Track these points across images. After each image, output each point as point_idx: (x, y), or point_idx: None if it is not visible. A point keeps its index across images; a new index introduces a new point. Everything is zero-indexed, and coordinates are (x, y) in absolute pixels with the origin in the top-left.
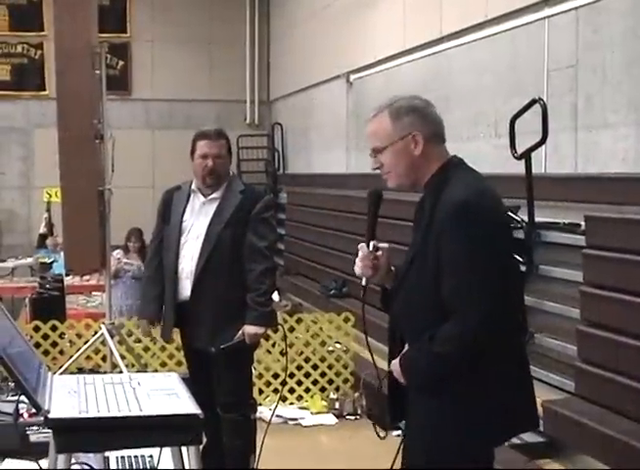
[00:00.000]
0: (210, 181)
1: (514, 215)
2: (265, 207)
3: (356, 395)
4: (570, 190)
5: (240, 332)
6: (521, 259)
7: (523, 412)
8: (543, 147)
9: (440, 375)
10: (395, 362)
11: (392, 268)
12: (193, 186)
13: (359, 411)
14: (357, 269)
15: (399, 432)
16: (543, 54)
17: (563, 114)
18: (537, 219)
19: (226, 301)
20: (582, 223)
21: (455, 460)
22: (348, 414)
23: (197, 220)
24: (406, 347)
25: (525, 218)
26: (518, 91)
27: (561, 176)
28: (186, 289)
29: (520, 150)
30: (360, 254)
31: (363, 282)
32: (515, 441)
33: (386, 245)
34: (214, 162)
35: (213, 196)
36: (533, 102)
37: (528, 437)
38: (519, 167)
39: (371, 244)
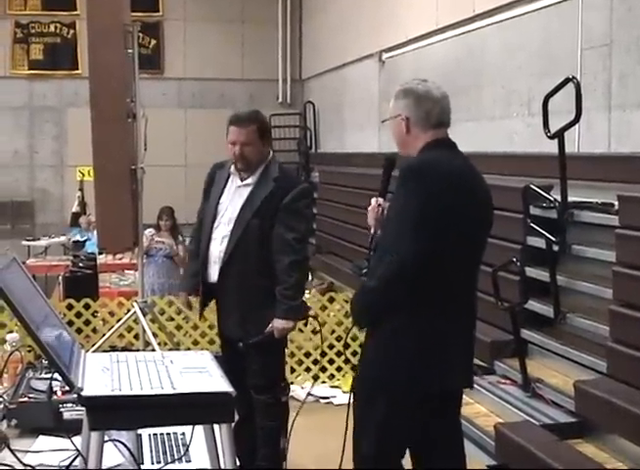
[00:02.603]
0: (241, 167)
1: (546, 195)
2: (296, 196)
3: None
4: (603, 169)
5: (269, 326)
6: (553, 239)
7: (447, 367)
8: (576, 126)
9: (369, 306)
10: None
11: None
12: (232, 168)
13: None
14: (368, 219)
15: None
16: (577, 32)
17: (596, 93)
18: (570, 199)
19: (252, 288)
20: (615, 203)
21: (372, 389)
22: None
23: (230, 204)
24: None
25: (558, 198)
26: (551, 70)
27: (594, 156)
28: (214, 273)
29: (553, 129)
30: (370, 206)
31: (372, 231)
32: (546, 421)
33: (387, 204)
34: (242, 149)
35: (248, 181)
36: (567, 81)
37: (560, 417)
38: (552, 147)
39: (379, 200)
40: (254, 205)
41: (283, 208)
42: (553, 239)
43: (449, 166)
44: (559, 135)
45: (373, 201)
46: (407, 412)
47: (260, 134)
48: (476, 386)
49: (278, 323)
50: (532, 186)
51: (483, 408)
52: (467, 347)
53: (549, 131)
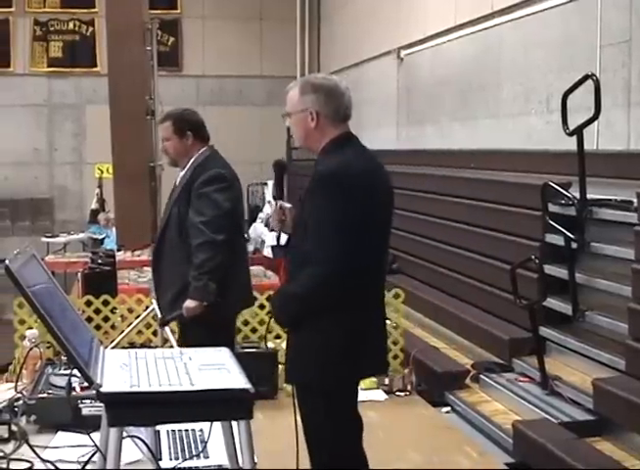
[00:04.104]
0: (167, 161)
1: (565, 192)
2: (204, 181)
3: (406, 371)
4: (622, 167)
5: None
6: (572, 237)
7: (369, 356)
8: (595, 123)
9: (292, 311)
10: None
11: None
12: None
13: (409, 388)
14: (271, 222)
15: (448, 408)
16: (596, 29)
17: (615, 89)
18: (589, 196)
19: (178, 275)
20: (635, 200)
21: (305, 381)
22: (398, 390)
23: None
24: None
25: (577, 195)
26: (570, 67)
27: (613, 153)
28: None
29: (572, 126)
30: (271, 210)
31: (275, 233)
32: (564, 419)
33: (288, 205)
34: (163, 144)
35: (181, 174)
36: (586, 77)
37: (578, 415)
38: (571, 144)
39: (278, 203)
40: (175, 193)
41: (192, 193)
42: (572, 236)
43: (360, 167)
44: (578, 132)
45: (272, 206)
46: (346, 408)
47: (176, 129)
48: (493, 383)
49: (185, 303)
50: (551, 183)
51: (501, 406)
52: (382, 335)
53: (568, 128)
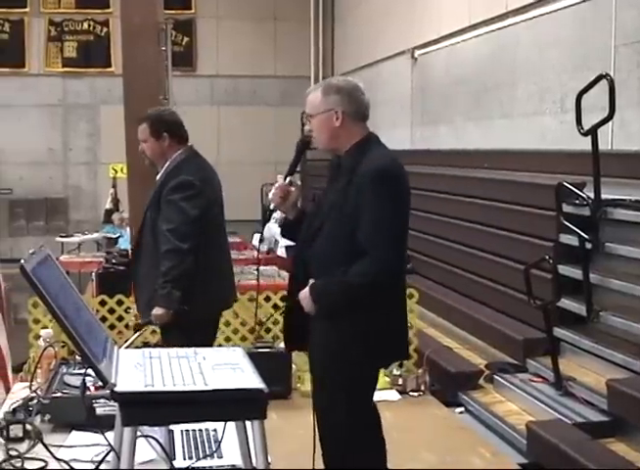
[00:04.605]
0: (146, 162)
1: (579, 192)
2: (172, 188)
3: (420, 371)
4: (637, 167)
5: None
6: (586, 237)
7: (397, 343)
8: (610, 123)
9: (347, 302)
10: (306, 291)
11: (299, 205)
12: None
13: (422, 388)
14: (270, 195)
15: (462, 409)
16: (611, 29)
17: (630, 89)
18: (603, 196)
19: (153, 278)
20: None
21: (341, 370)
22: (412, 391)
23: None
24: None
25: (591, 195)
26: (584, 66)
27: (628, 153)
28: None
29: (586, 126)
30: (277, 183)
31: (271, 207)
32: (578, 420)
33: (298, 183)
34: (141, 146)
35: (157, 178)
36: (600, 77)
37: (592, 415)
38: (585, 144)
39: (288, 178)
40: (149, 198)
41: (162, 199)
42: (586, 237)
43: (402, 166)
44: (592, 132)
45: (280, 179)
46: (363, 407)
47: (152, 131)
48: (507, 384)
49: (153, 310)
50: (565, 183)
51: (515, 406)
52: (405, 326)
53: (582, 128)
